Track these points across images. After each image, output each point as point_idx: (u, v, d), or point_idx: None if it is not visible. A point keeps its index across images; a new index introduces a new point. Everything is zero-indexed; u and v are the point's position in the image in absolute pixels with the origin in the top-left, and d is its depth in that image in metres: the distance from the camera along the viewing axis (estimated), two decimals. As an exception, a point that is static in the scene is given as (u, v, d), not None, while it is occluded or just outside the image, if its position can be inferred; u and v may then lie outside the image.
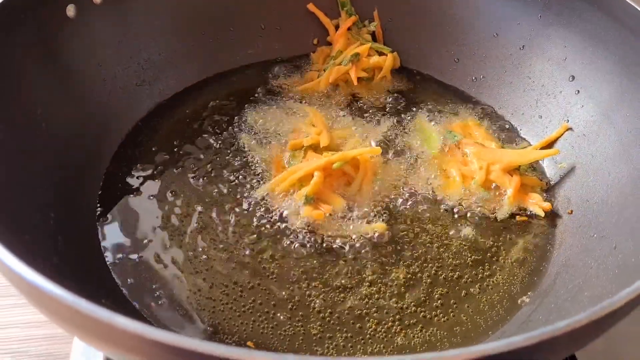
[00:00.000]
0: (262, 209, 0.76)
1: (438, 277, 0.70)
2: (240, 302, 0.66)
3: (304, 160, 0.80)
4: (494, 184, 0.80)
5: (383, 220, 0.75)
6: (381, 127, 0.89)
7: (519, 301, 0.69)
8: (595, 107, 0.80)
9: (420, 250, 0.73)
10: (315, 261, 0.71)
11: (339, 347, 0.64)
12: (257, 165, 0.81)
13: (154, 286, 0.67)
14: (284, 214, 0.75)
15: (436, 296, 0.68)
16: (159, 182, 0.79)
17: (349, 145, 0.84)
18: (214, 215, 0.75)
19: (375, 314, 0.66)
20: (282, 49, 1.00)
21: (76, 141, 0.76)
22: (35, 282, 0.40)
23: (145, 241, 0.72)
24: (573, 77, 0.84)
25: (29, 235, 0.59)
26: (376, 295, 0.68)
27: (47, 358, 0.70)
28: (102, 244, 0.71)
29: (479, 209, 0.78)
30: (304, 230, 0.73)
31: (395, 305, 0.67)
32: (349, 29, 0.98)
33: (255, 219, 0.75)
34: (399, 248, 0.73)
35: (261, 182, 0.79)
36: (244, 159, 0.82)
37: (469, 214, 0.77)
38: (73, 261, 0.64)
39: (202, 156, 0.83)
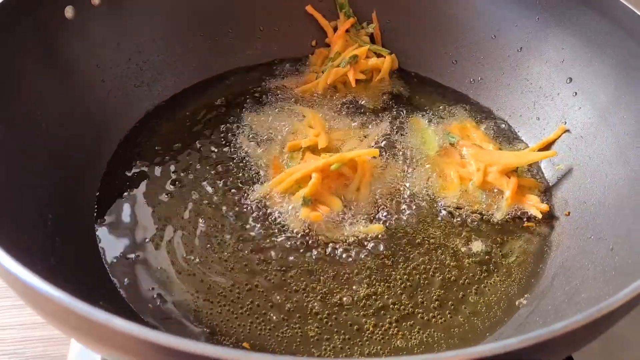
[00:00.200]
0: (260, 211, 0.76)
1: (435, 278, 0.71)
2: (238, 304, 0.66)
3: (302, 161, 0.80)
4: (492, 186, 0.80)
5: (381, 221, 0.75)
6: (379, 128, 0.89)
7: (517, 303, 0.69)
8: (592, 109, 0.80)
9: (417, 252, 0.73)
10: (312, 262, 0.71)
11: (336, 348, 0.64)
12: (255, 166, 0.82)
13: (151, 287, 0.67)
14: (282, 216, 0.75)
15: (433, 297, 0.69)
16: (157, 184, 0.79)
17: (347, 147, 0.84)
18: (211, 216, 0.75)
19: (372, 316, 0.66)
20: (281, 50, 1.00)
21: (75, 142, 0.77)
22: (32, 284, 0.40)
23: (143, 242, 0.72)
24: (571, 79, 0.84)
25: (26, 235, 0.60)
26: (373, 297, 0.68)
27: (43, 359, 0.70)
28: (100, 245, 0.71)
29: (476, 210, 0.78)
30: (302, 232, 0.73)
31: (392, 306, 0.67)
32: (347, 30, 0.98)
33: (253, 220, 0.75)
34: (396, 249, 0.73)
35: (259, 183, 0.79)
36: (242, 161, 0.82)
37: (466, 216, 0.77)
38: (71, 262, 0.64)
39: (199, 158, 0.83)
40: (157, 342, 0.38)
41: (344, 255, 0.72)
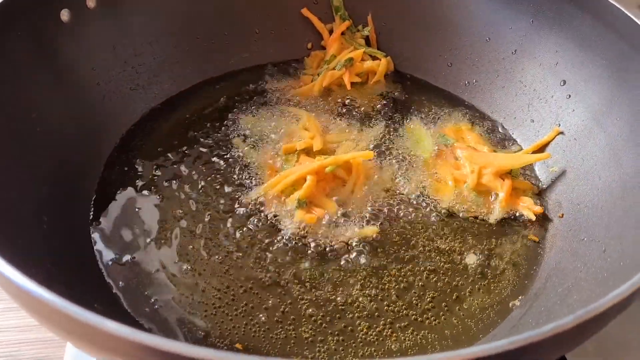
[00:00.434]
0: (255, 213, 0.76)
1: (430, 280, 0.71)
2: (232, 306, 0.67)
3: (297, 164, 0.80)
4: (486, 189, 0.80)
5: (375, 224, 0.76)
6: (374, 131, 0.89)
7: (510, 305, 0.69)
8: (586, 111, 0.81)
9: (412, 254, 0.73)
10: (307, 265, 0.71)
11: (330, 350, 0.64)
12: (250, 169, 0.82)
13: (146, 290, 0.68)
14: (277, 218, 0.75)
15: (427, 299, 0.69)
16: (153, 186, 0.79)
17: (342, 149, 0.84)
18: (206, 219, 0.75)
19: (366, 318, 0.67)
20: (277, 53, 1.01)
21: (70, 145, 0.77)
22: (24, 286, 0.40)
23: (139, 245, 0.72)
24: (564, 82, 0.85)
25: (21, 239, 0.60)
26: (368, 299, 0.68)
27: (40, 361, 0.71)
28: (96, 247, 0.71)
29: (470, 212, 0.78)
30: (297, 234, 0.74)
31: (386, 308, 0.68)
32: (342, 33, 0.98)
33: (247, 223, 0.75)
34: (391, 251, 0.73)
35: (254, 185, 0.79)
36: (238, 163, 0.83)
37: (460, 218, 0.78)
38: (66, 265, 0.64)
39: (195, 160, 0.83)
40: (149, 344, 0.38)
41: (338, 258, 0.72)
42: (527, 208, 0.78)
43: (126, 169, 0.81)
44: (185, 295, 0.67)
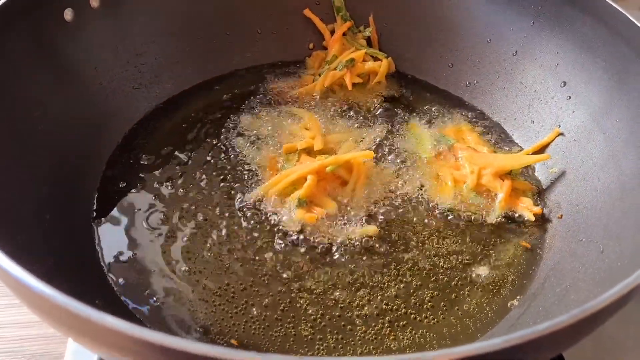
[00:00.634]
0: (256, 212, 0.77)
1: (429, 279, 0.71)
2: (232, 304, 0.67)
3: (298, 163, 0.81)
4: (486, 189, 0.80)
5: (375, 223, 0.76)
6: (375, 131, 0.89)
7: (509, 304, 0.70)
8: (586, 113, 0.81)
9: (411, 254, 0.74)
10: (307, 264, 0.71)
11: (329, 348, 0.64)
12: (251, 168, 0.82)
13: (147, 287, 0.68)
14: (277, 217, 0.76)
15: (426, 299, 0.69)
16: (155, 185, 0.80)
17: (343, 149, 0.85)
18: (208, 217, 0.76)
19: (365, 316, 0.67)
20: (278, 53, 1.01)
21: (73, 143, 0.77)
22: (26, 282, 0.41)
23: (140, 242, 0.73)
24: (565, 83, 0.85)
25: (24, 235, 0.60)
26: (367, 298, 0.69)
27: (41, 358, 0.71)
28: (98, 245, 0.72)
29: (470, 213, 0.79)
30: (297, 233, 0.74)
31: (385, 307, 0.68)
32: (344, 34, 0.99)
33: (248, 222, 0.75)
34: (390, 251, 0.74)
35: (255, 185, 0.80)
36: (239, 162, 0.83)
37: (460, 218, 0.78)
38: (68, 262, 0.65)
39: (197, 159, 0.84)
40: (150, 340, 0.38)
41: (338, 257, 0.72)
42: (527, 209, 0.78)
43: (128, 167, 0.82)
44: (186, 292, 0.68)
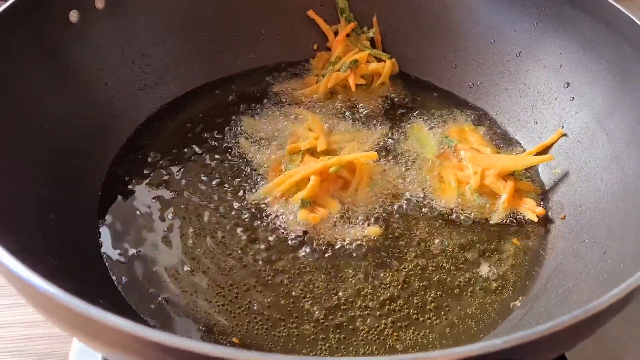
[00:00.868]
0: (259, 212, 0.77)
1: (432, 280, 0.71)
2: (235, 304, 0.67)
3: (301, 164, 0.81)
4: (489, 190, 0.80)
5: (378, 224, 0.76)
6: (378, 132, 0.90)
7: (511, 305, 0.70)
8: (589, 113, 0.81)
9: (414, 254, 0.74)
10: (310, 264, 0.72)
11: (332, 348, 0.65)
12: (255, 168, 0.83)
13: (151, 286, 0.69)
14: (281, 217, 0.76)
15: (429, 299, 0.69)
16: (159, 185, 0.80)
17: (346, 150, 0.85)
18: (211, 217, 0.76)
19: (368, 316, 0.67)
20: (282, 54, 1.01)
21: (78, 143, 0.78)
22: (31, 281, 0.41)
23: (144, 242, 0.73)
24: (568, 84, 0.85)
25: (28, 234, 0.61)
26: (369, 298, 0.69)
27: (46, 357, 0.72)
28: (101, 244, 0.72)
29: (473, 213, 0.79)
30: (300, 234, 0.74)
31: (388, 307, 0.68)
32: (348, 35, 0.99)
33: (252, 222, 0.76)
34: (393, 251, 0.74)
35: (259, 185, 0.80)
36: (243, 163, 0.84)
37: (463, 219, 0.78)
38: (72, 261, 0.66)
39: (201, 159, 0.84)
40: (152, 339, 0.39)
41: (341, 257, 0.73)
42: (530, 210, 0.78)
43: (132, 167, 0.82)
44: (189, 292, 0.68)
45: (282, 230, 0.75)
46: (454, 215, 0.78)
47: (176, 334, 0.58)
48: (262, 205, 0.78)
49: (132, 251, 0.72)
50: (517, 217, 0.79)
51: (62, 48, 0.79)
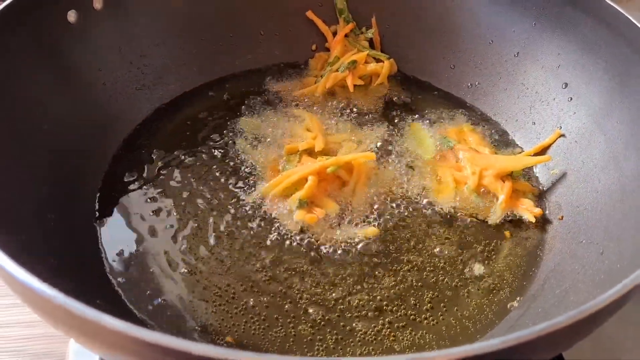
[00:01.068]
0: (257, 212, 0.77)
1: (429, 280, 0.71)
2: (232, 304, 0.67)
3: (299, 164, 0.81)
4: (487, 190, 0.80)
5: (376, 224, 0.76)
6: (376, 132, 0.90)
7: (508, 305, 0.70)
8: (587, 114, 0.81)
9: (411, 254, 0.74)
10: (307, 264, 0.72)
11: (329, 349, 0.65)
12: (252, 169, 0.83)
13: (149, 287, 0.69)
14: (278, 218, 0.76)
15: (426, 300, 0.69)
16: (157, 185, 0.80)
17: (344, 150, 0.85)
18: (209, 218, 0.76)
19: (365, 317, 0.67)
20: (281, 54, 1.02)
21: (76, 143, 0.78)
22: (27, 282, 0.42)
23: (141, 243, 0.73)
24: (566, 85, 0.85)
25: (27, 235, 0.61)
26: (367, 298, 0.69)
27: (45, 357, 0.72)
28: (100, 245, 0.72)
29: (471, 214, 0.79)
30: (297, 234, 0.74)
31: (385, 308, 0.68)
32: (346, 35, 0.99)
33: (249, 222, 0.76)
34: (390, 252, 0.74)
35: (256, 185, 0.80)
36: (240, 163, 0.84)
37: (461, 219, 0.78)
38: (70, 261, 0.66)
39: (199, 160, 0.84)
40: (149, 340, 0.39)
41: (338, 257, 0.73)
42: (527, 210, 0.78)
43: (131, 167, 0.82)
44: (187, 292, 0.68)
45: (280, 231, 0.75)
46: (452, 216, 0.79)
47: (173, 335, 0.58)
48: (260, 206, 0.78)
49: (129, 252, 0.72)
50: (515, 217, 0.79)
51: (62, 48, 0.79)
